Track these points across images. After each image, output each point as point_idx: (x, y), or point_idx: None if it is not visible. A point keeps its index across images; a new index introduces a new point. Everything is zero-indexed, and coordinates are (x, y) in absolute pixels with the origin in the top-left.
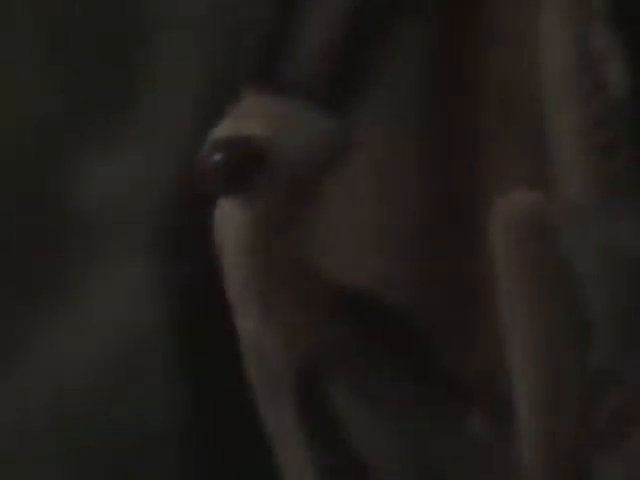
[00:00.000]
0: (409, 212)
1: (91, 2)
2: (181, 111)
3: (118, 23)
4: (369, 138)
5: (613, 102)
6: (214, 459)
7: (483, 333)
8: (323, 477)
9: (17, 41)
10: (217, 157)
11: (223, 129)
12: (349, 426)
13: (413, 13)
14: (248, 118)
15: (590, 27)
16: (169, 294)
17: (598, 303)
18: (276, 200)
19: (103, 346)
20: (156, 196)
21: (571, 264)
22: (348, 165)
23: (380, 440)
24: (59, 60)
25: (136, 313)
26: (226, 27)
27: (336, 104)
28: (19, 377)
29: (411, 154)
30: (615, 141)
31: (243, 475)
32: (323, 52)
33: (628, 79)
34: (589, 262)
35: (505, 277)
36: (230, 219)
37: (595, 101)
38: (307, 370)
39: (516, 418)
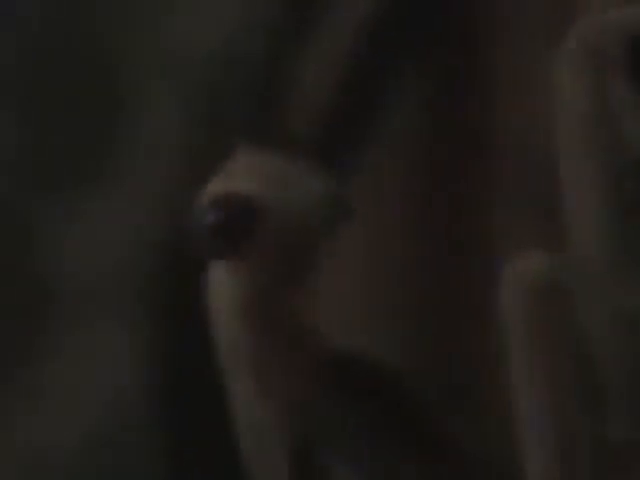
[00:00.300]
0: (412, 273)
1: (60, 55)
2: (161, 168)
3: (91, 78)
4: (368, 194)
5: (634, 157)
6: None
7: (489, 398)
8: None
9: None
10: (210, 216)
11: (216, 187)
12: None
13: (419, 62)
14: (242, 176)
15: (608, 78)
16: (154, 363)
17: (615, 369)
18: (271, 262)
19: (82, 422)
20: (136, 257)
21: (585, 329)
22: (345, 227)
23: None
24: (27, 120)
25: (118, 385)
26: (212, 78)
27: (333, 159)
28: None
29: (413, 212)
30: (635, 199)
31: None
32: (319, 105)
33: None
34: (605, 326)
35: (514, 340)
36: (223, 282)
37: (614, 156)
38: (301, 437)
39: None
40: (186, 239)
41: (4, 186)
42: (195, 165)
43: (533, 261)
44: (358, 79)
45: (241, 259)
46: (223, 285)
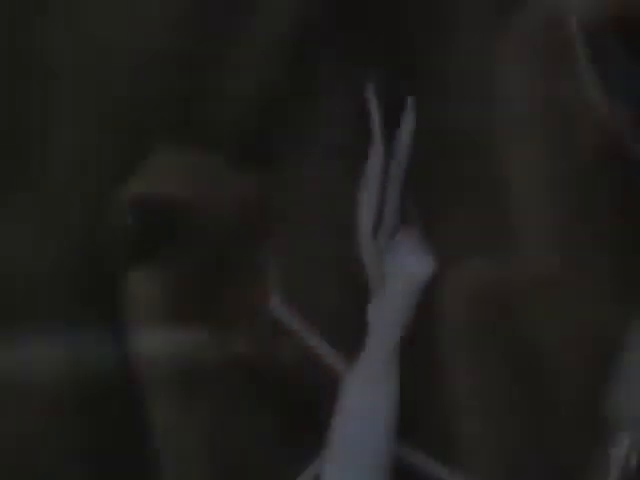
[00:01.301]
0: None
1: None
2: (76, 172)
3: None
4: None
5: (586, 156)
6: None
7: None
8: None
9: None
10: (128, 218)
11: (134, 186)
12: None
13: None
14: (162, 175)
15: (560, 69)
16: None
17: (565, 384)
18: (192, 268)
19: None
20: (48, 270)
21: (533, 338)
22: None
23: None
24: None
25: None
26: (129, 78)
27: (261, 157)
28: None
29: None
30: (587, 201)
31: None
32: (244, 105)
33: (602, 131)
34: (553, 336)
35: (453, 346)
36: (141, 287)
37: (566, 154)
38: None
39: None
40: (105, 242)
41: None
42: (113, 166)
43: (473, 269)
44: (286, 81)
45: (159, 265)
46: (142, 290)
